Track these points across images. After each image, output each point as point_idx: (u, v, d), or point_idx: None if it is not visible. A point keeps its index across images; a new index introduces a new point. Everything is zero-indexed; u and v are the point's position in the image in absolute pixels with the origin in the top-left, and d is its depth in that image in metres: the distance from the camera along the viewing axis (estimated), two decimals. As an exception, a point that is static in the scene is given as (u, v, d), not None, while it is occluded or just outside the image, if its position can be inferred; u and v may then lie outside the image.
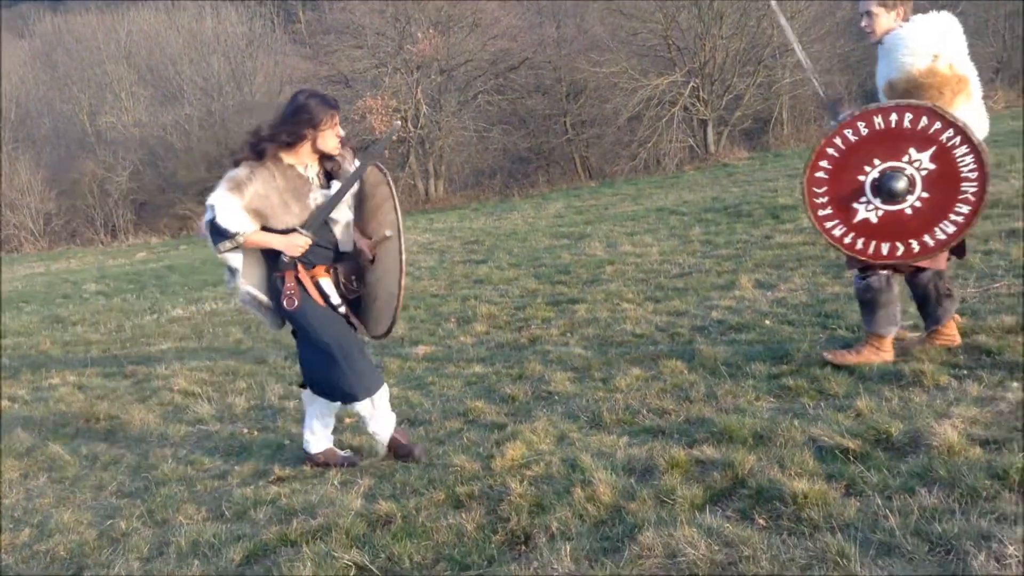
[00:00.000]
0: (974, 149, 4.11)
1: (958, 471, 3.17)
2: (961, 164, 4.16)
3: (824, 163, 4.40)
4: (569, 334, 6.37)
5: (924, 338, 4.67)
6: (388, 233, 4.16)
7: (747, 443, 3.76)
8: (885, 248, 4.39)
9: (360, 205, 4.29)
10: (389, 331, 4.28)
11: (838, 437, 3.61)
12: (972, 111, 4.24)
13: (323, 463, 4.42)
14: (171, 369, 7.20)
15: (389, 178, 4.25)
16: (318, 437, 4.46)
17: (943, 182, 4.21)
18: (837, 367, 4.56)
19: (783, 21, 5.35)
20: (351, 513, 3.68)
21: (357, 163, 4.21)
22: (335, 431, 4.60)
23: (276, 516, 3.86)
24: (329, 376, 4.17)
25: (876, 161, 4.30)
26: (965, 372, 4.27)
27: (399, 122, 5.24)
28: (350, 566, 3.27)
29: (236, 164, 4.03)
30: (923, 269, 4.47)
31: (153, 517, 4.14)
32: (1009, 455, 3.21)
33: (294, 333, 4.38)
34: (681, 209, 12.68)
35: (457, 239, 14.10)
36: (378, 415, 4.29)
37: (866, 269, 4.50)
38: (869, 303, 4.54)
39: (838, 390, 4.29)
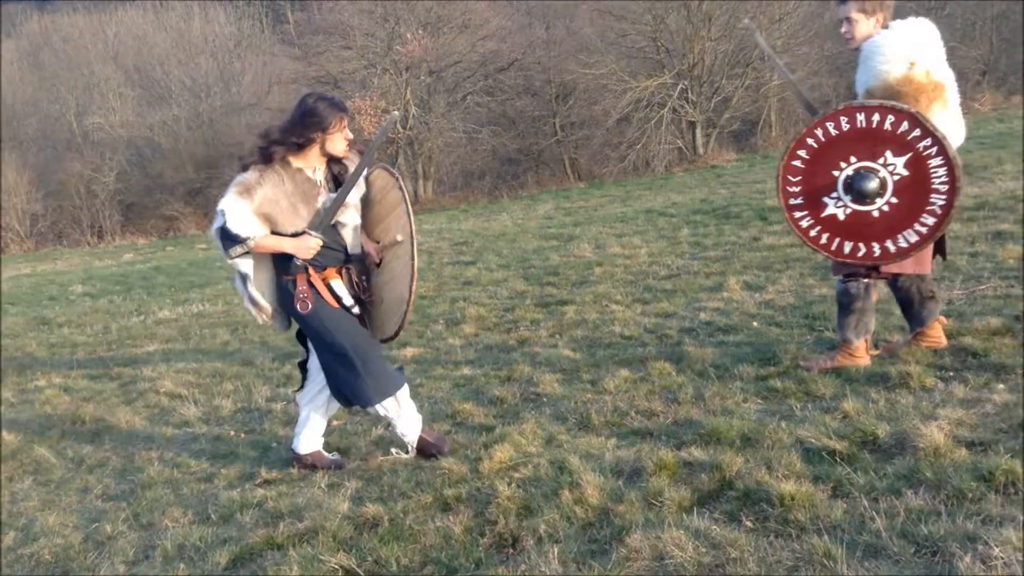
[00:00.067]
0: (948, 162, 4.12)
1: (944, 473, 3.18)
2: (934, 175, 4.17)
3: (802, 152, 4.43)
4: (558, 336, 6.37)
5: (910, 340, 4.69)
6: (399, 238, 4.14)
7: (735, 445, 3.77)
8: (847, 247, 4.41)
9: (366, 209, 4.28)
10: (396, 335, 4.27)
11: (825, 439, 3.62)
12: (949, 118, 4.26)
13: (310, 464, 4.41)
14: (157, 371, 7.17)
15: (401, 183, 4.23)
16: (309, 438, 4.44)
17: (914, 190, 4.22)
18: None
19: (762, 42, 5.41)
20: (338, 516, 3.67)
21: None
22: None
23: (262, 519, 3.84)
24: (346, 379, 4.15)
25: (852, 159, 4.31)
26: (951, 374, 4.29)
27: (396, 113, 5.21)
28: (337, 570, 3.26)
29: (244, 168, 4.01)
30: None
31: (139, 520, 4.11)
32: (995, 457, 3.22)
33: (298, 336, 4.37)
34: (670, 211, 12.71)
35: (446, 240, 14.10)
36: (404, 416, 4.27)
37: (850, 276, 4.53)
38: (846, 308, 4.57)
39: (825, 392, 4.30)
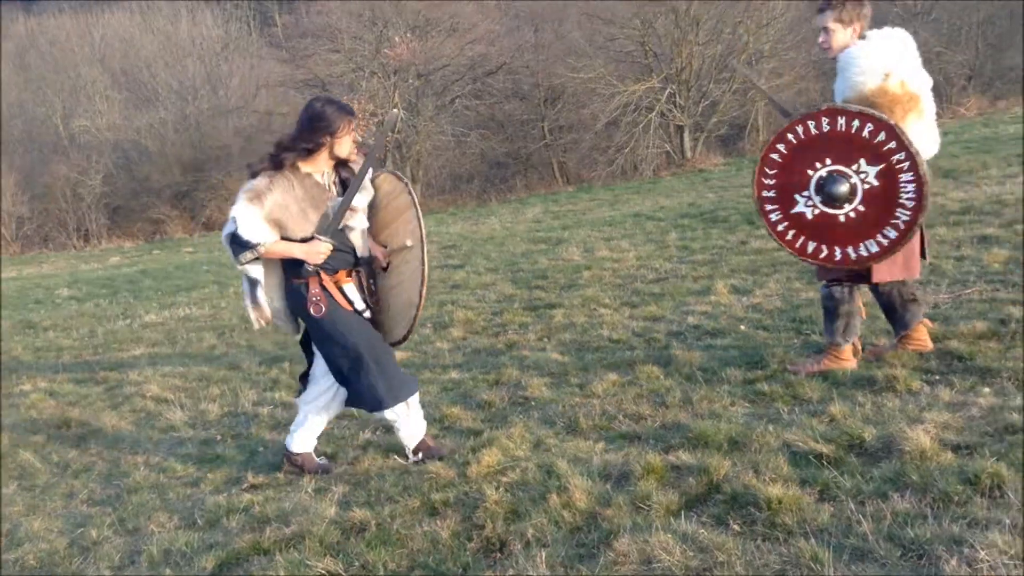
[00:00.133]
0: (918, 179, 4.16)
1: (930, 476, 3.20)
2: (902, 190, 4.21)
3: (781, 146, 4.49)
4: (546, 339, 6.37)
5: (896, 344, 4.71)
6: (409, 243, 4.14)
7: (722, 448, 3.78)
8: (811, 246, 4.47)
9: (372, 214, 4.28)
10: (404, 340, 4.28)
11: (812, 442, 3.63)
12: (923, 128, 4.30)
13: (299, 464, 4.40)
14: (144, 375, 7.13)
15: (410, 187, 4.24)
16: (303, 438, 4.43)
17: (881, 201, 4.27)
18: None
19: (747, 73, 5.43)
20: (325, 521, 3.65)
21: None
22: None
23: (249, 524, 3.82)
24: (359, 382, 4.15)
25: (828, 160, 4.36)
26: (937, 377, 4.31)
27: (396, 110, 5.20)
28: (324, 574, 3.25)
29: (254, 175, 4.03)
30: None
31: (124, 525, 4.09)
32: (980, 460, 3.23)
33: (303, 345, 4.37)
34: (658, 215, 12.73)
35: (434, 243, 14.06)
36: (411, 420, 4.28)
37: (834, 281, 4.55)
38: (831, 312, 4.60)
39: (812, 395, 4.31)
